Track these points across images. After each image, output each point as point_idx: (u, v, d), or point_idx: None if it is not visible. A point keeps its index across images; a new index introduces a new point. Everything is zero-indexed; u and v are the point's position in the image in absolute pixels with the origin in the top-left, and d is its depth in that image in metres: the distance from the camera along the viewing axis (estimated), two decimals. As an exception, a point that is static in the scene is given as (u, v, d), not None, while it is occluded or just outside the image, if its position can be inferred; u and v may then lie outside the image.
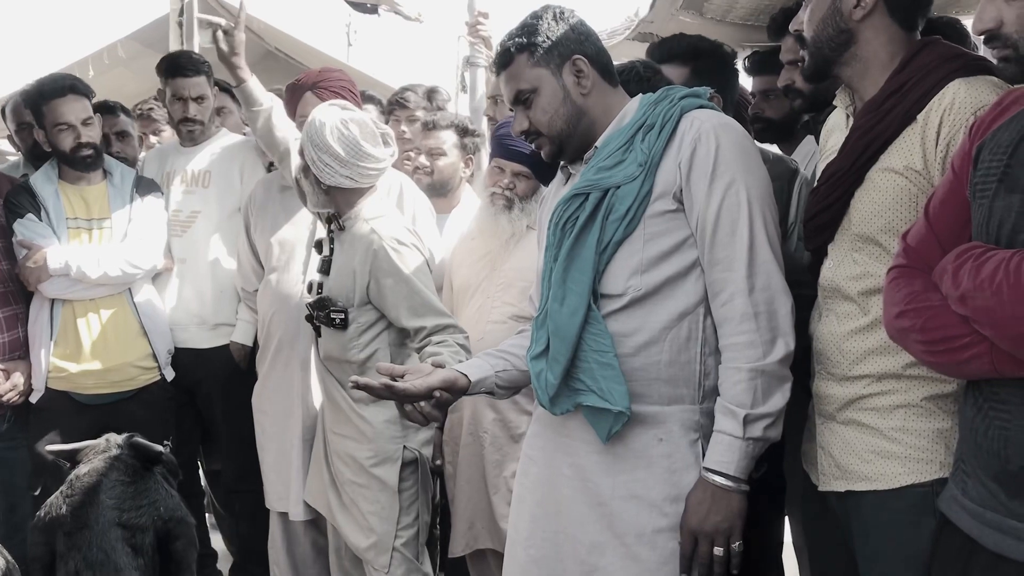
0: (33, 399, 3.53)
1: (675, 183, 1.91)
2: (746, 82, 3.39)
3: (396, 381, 1.98)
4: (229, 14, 6.12)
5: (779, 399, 1.88)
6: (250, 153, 3.85)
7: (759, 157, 2.00)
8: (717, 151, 1.89)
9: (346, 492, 3.02)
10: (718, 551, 1.87)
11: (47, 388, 3.51)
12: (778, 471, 2.34)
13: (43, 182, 3.57)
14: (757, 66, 3.31)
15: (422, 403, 1.99)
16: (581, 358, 1.94)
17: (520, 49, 2.03)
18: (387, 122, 4.14)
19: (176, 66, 3.83)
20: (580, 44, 2.03)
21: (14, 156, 4.92)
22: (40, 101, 3.50)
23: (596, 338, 1.92)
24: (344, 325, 2.92)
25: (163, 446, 2.93)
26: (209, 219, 3.79)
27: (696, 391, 1.94)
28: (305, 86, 3.40)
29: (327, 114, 2.88)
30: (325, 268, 3.00)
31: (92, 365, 3.50)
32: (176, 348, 3.74)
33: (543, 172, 2.94)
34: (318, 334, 3.04)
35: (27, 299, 3.55)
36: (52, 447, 3.05)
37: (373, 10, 6.61)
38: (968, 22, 2.30)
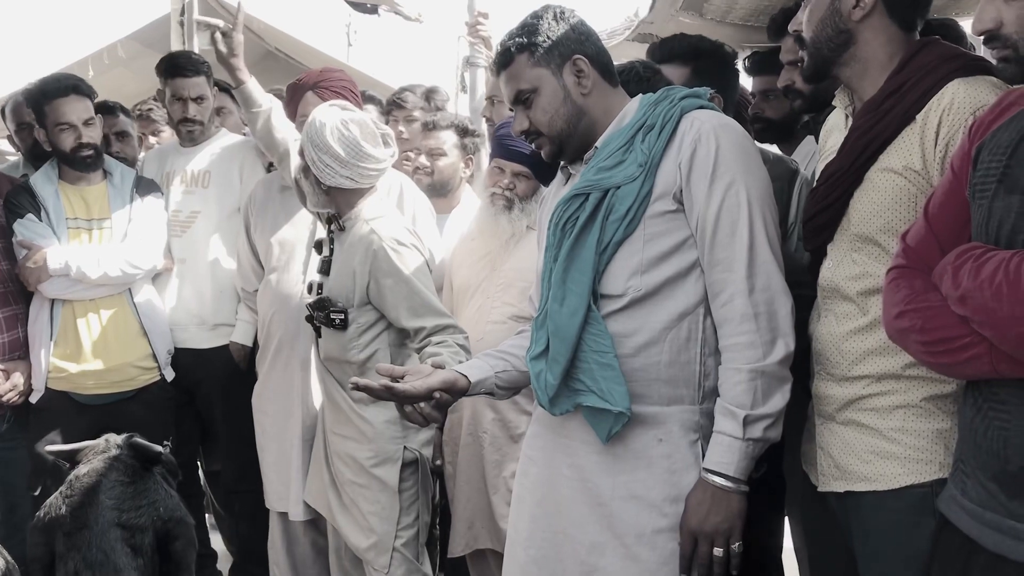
0: (33, 399, 3.53)
1: (675, 183, 1.91)
2: (746, 82, 3.39)
3: (396, 382, 1.98)
4: (229, 14, 6.13)
5: (779, 400, 1.88)
6: (250, 153, 3.85)
7: (759, 158, 2.00)
8: (717, 152, 1.89)
9: (346, 492, 3.02)
10: (718, 552, 1.87)
11: (47, 388, 3.51)
12: (778, 471, 2.34)
13: (43, 182, 3.57)
14: (757, 66, 3.31)
15: (422, 404, 1.99)
16: (581, 359, 1.94)
17: (520, 49, 2.02)
18: (386, 123, 4.14)
19: (175, 66, 3.83)
20: (580, 44, 2.03)
21: (14, 156, 4.92)
22: (42, 100, 3.50)
23: (596, 338, 1.92)
24: (344, 325, 2.92)
25: (163, 446, 2.92)
26: (209, 219, 3.79)
27: (696, 392, 1.94)
28: (306, 86, 3.40)
29: (327, 115, 2.88)
30: (325, 268, 3.00)
31: (92, 365, 3.50)
32: (176, 348, 3.74)
33: (543, 172, 2.94)
34: (318, 334, 3.04)
35: (27, 299, 3.55)
36: (52, 447, 3.05)
37: (373, 10, 6.61)
38: (967, 23, 2.31)
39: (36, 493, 3.42)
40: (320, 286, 3.00)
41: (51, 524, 2.70)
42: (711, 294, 1.92)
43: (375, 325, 2.95)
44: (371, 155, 2.87)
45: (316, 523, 3.38)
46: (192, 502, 3.54)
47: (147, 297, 3.66)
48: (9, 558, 2.66)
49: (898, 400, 1.81)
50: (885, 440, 1.82)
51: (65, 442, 3.19)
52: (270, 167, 3.72)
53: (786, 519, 2.79)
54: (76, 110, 3.49)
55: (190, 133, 3.86)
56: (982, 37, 1.58)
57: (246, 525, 3.89)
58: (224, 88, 4.13)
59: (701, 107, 1.98)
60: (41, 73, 3.95)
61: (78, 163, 3.53)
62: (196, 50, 3.61)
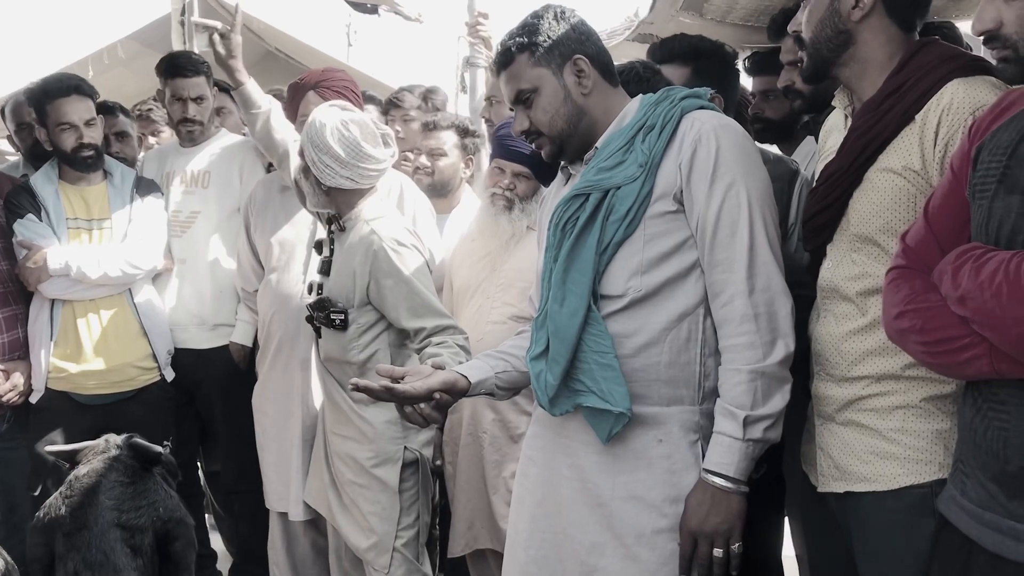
0: (33, 399, 3.53)
1: (675, 184, 1.91)
2: (747, 82, 3.39)
3: (396, 383, 1.98)
4: (229, 14, 6.12)
5: (779, 400, 1.88)
6: (249, 153, 3.85)
7: (759, 158, 2.00)
8: (717, 152, 1.89)
9: (346, 493, 3.01)
10: (717, 552, 1.87)
11: (47, 388, 3.51)
12: (777, 472, 2.34)
13: (43, 182, 3.57)
14: (757, 67, 3.31)
15: (422, 405, 1.99)
16: (581, 359, 1.94)
17: (521, 49, 2.02)
18: (385, 123, 4.14)
19: (175, 66, 3.83)
20: (581, 44, 2.03)
21: (14, 156, 4.92)
22: (44, 100, 3.50)
23: (596, 339, 1.92)
24: (344, 326, 2.92)
25: (162, 447, 2.92)
26: (209, 219, 3.79)
27: (696, 392, 1.94)
28: (308, 85, 3.40)
29: (327, 115, 2.88)
30: (325, 269, 3.00)
31: (92, 365, 3.51)
32: (176, 348, 3.75)
33: (543, 173, 2.94)
34: (318, 335, 3.04)
35: (27, 299, 3.55)
36: (51, 447, 3.05)
37: (373, 10, 6.61)
38: (967, 25, 2.30)
39: (36, 493, 3.43)
40: (320, 286, 3.00)
41: (51, 524, 2.70)
42: (711, 295, 1.92)
43: (375, 325, 2.95)
44: (371, 155, 2.87)
45: (316, 523, 3.38)
46: (192, 502, 3.54)
47: (147, 297, 3.66)
48: (8, 559, 2.66)
49: (898, 400, 1.81)
50: (885, 440, 1.82)
51: (65, 442, 3.19)
52: (270, 167, 3.72)
53: (786, 520, 2.79)
54: (78, 110, 3.49)
55: (190, 133, 3.86)
56: (982, 38, 1.58)
57: (246, 525, 3.89)
58: (224, 88, 4.13)
59: (701, 107, 1.98)
60: (41, 73, 3.95)
61: (79, 163, 3.53)
62: (196, 51, 3.59)
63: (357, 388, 1.96)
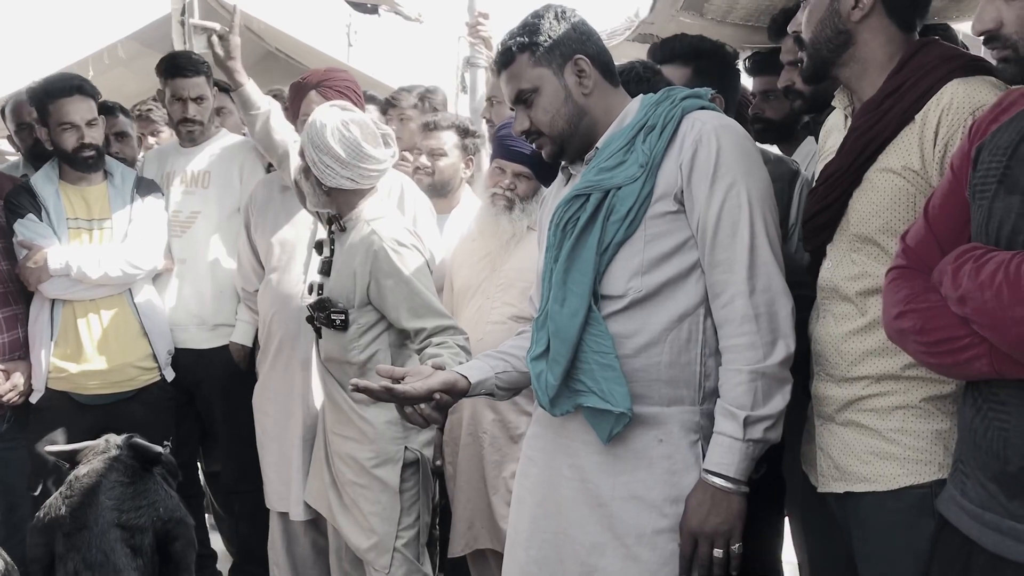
0: (33, 399, 3.53)
1: (676, 184, 1.91)
2: (747, 83, 3.39)
3: (396, 383, 1.98)
4: (229, 14, 6.12)
5: (779, 401, 1.88)
6: (249, 153, 3.85)
7: (760, 159, 2.00)
8: (718, 153, 1.89)
9: (347, 493, 3.01)
10: (718, 553, 1.87)
11: (47, 388, 3.51)
12: (777, 472, 2.34)
13: (44, 182, 3.57)
14: (757, 67, 3.32)
15: (422, 405, 1.99)
16: (582, 359, 1.94)
17: (522, 48, 2.02)
18: (384, 123, 4.14)
19: (175, 66, 3.83)
20: (582, 44, 2.03)
21: (14, 156, 4.92)
22: (46, 99, 3.50)
23: (597, 339, 1.92)
24: (344, 326, 2.92)
25: (163, 447, 2.93)
26: (209, 219, 3.79)
27: (696, 392, 1.94)
28: (310, 85, 3.39)
29: (328, 115, 2.88)
30: (325, 269, 3.00)
31: (92, 365, 3.51)
32: (176, 348, 3.75)
33: (544, 173, 2.94)
34: (319, 335, 3.04)
35: (27, 299, 3.55)
36: (51, 448, 3.05)
37: (373, 10, 6.60)
38: (967, 25, 2.30)
39: (36, 493, 3.43)
40: (320, 287, 3.00)
41: (51, 524, 2.70)
42: (712, 295, 1.92)
43: (375, 326, 2.94)
44: (372, 156, 2.87)
45: (316, 523, 3.38)
46: (192, 502, 3.54)
47: (147, 297, 3.66)
48: (8, 559, 2.66)
49: (897, 401, 1.81)
50: (884, 441, 1.82)
51: (65, 442, 3.19)
52: (270, 167, 3.72)
53: (786, 520, 2.79)
54: (80, 110, 3.49)
55: (190, 133, 3.86)
56: (982, 37, 1.58)
57: (246, 525, 3.89)
58: (224, 88, 4.13)
59: (702, 108, 1.98)
60: (42, 73, 3.95)
61: (79, 163, 3.53)
62: (195, 52, 3.59)
63: (357, 388, 1.96)
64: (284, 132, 3.35)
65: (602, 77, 2.04)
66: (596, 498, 1.98)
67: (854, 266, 1.88)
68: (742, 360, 1.87)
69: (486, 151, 3.81)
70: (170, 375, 3.71)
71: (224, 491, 4.11)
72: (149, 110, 4.72)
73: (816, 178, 2.05)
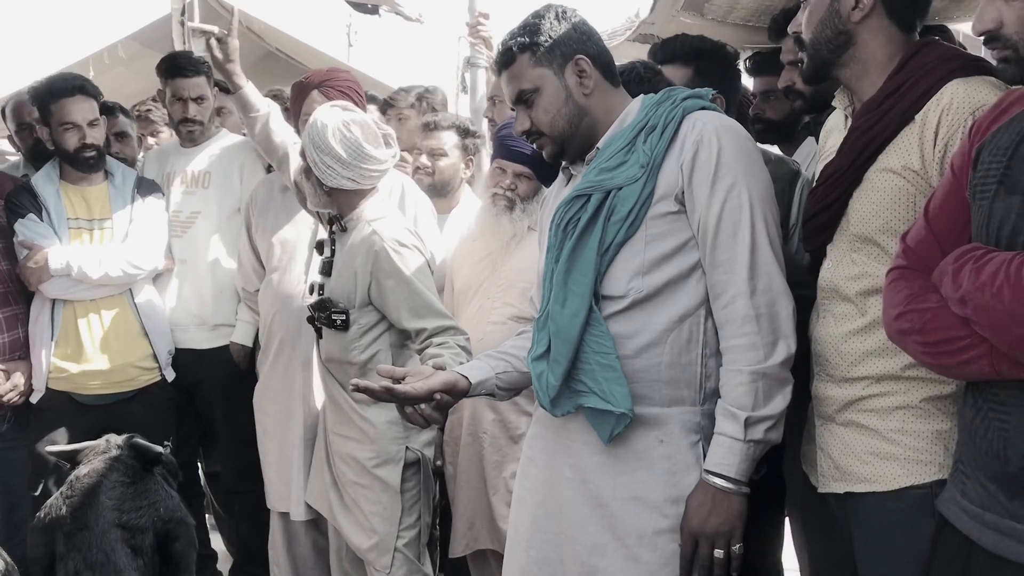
0: (34, 399, 3.53)
1: (677, 185, 1.91)
2: (748, 83, 3.39)
3: (396, 383, 1.98)
4: (229, 13, 6.11)
5: (780, 401, 1.88)
6: (250, 154, 3.85)
7: (761, 159, 2.00)
8: (719, 153, 1.89)
9: (348, 493, 3.01)
10: (718, 553, 1.87)
11: (48, 388, 3.51)
12: (778, 473, 2.34)
13: (44, 182, 3.57)
14: (758, 67, 3.32)
15: (423, 405, 1.99)
16: (582, 360, 1.94)
17: (522, 48, 2.02)
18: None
19: (176, 66, 3.83)
20: (582, 44, 2.02)
21: (14, 156, 4.92)
22: (49, 99, 3.51)
23: (597, 340, 1.92)
24: (345, 326, 2.92)
25: (163, 447, 2.93)
26: (209, 220, 3.79)
27: (697, 393, 1.94)
28: (312, 84, 3.39)
29: (329, 116, 2.87)
30: (326, 269, 2.99)
31: (93, 365, 3.51)
32: (176, 349, 3.75)
33: (544, 173, 2.95)
34: (319, 335, 3.04)
35: (27, 299, 3.55)
36: (52, 448, 3.06)
37: (374, 11, 6.59)
38: (968, 26, 2.30)
39: (36, 493, 3.43)
40: (321, 287, 3.00)
41: (51, 525, 2.70)
42: (712, 295, 1.92)
43: (376, 326, 2.94)
44: (372, 156, 2.87)
45: (317, 523, 3.38)
46: (192, 502, 3.54)
47: (148, 297, 3.66)
48: (8, 559, 2.66)
49: (897, 401, 1.81)
50: (885, 441, 1.82)
51: (66, 442, 3.20)
52: (270, 168, 3.72)
53: (786, 520, 2.79)
54: (82, 110, 3.49)
55: (190, 133, 3.87)
56: (982, 38, 1.58)
57: (246, 525, 3.89)
58: (224, 88, 4.12)
59: (703, 108, 1.98)
60: (42, 73, 3.94)
61: (81, 163, 3.54)
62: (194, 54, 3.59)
63: (358, 388, 1.96)
64: (283, 134, 3.35)
65: (603, 77, 2.04)
66: (597, 498, 1.98)
67: (854, 266, 1.88)
68: (743, 361, 1.87)
69: (487, 151, 3.81)
70: (170, 375, 3.71)
71: (224, 491, 4.12)
72: (148, 110, 4.72)
73: (816, 178, 2.05)
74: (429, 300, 2.86)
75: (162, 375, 3.67)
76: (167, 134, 4.59)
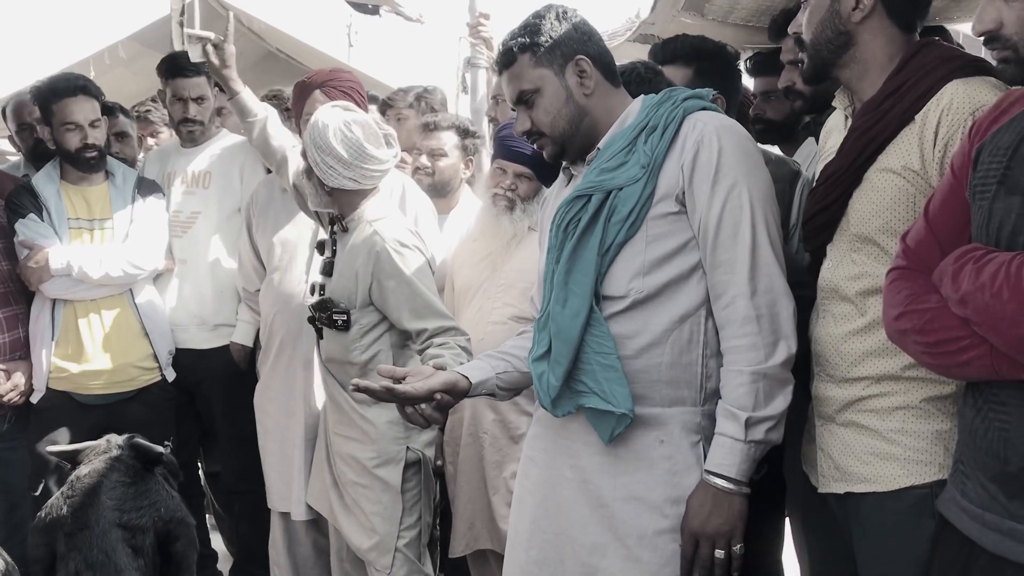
0: (34, 399, 3.53)
1: (677, 185, 1.91)
2: (749, 83, 3.39)
3: (397, 383, 1.98)
4: (227, 21, 6.11)
5: (781, 402, 1.88)
6: (250, 154, 3.84)
7: (761, 160, 2.00)
8: (720, 154, 1.89)
9: (348, 493, 3.01)
10: (719, 553, 1.87)
11: (48, 388, 3.51)
12: (778, 473, 2.34)
13: (45, 182, 3.57)
14: (758, 67, 3.32)
15: (423, 405, 1.99)
16: (583, 360, 1.94)
17: (523, 49, 2.02)
18: (383, 123, 4.14)
19: (176, 67, 3.82)
20: (583, 44, 2.03)
21: (14, 156, 4.92)
22: (51, 99, 3.51)
23: (598, 340, 1.92)
24: (346, 327, 2.92)
25: (164, 447, 2.93)
26: (209, 220, 3.79)
27: (698, 393, 1.95)
28: (314, 84, 3.39)
29: (330, 116, 2.87)
30: (327, 270, 2.99)
31: (93, 365, 3.51)
32: (176, 349, 3.75)
33: (545, 173, 2.95)
34: (320, 336, 3.04)
35: (28, 299, 3.55)
36: (53, 448, 3.06)
37: (374, 11, 6.60)
38: (968, 26, 2.30)
39: (36, 493, 3.43)
40: (322, 287, 3.00)
41: (52, 525, 2.70)
42: (713, 296, 1.92)
43: (377, 326, 2.94)
44: (374, 156, 2.87)
45: (317, 523, 3.38)
46: (193, 503, 3.54)
47: (148, 298, 3.66)
48: (9, 559, 2.66)
49: (897, 401, 1.82)
50: (885, 441, 1.82)
51: (67, 443, 3.20)
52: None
53: (786, 520, 2.79)
54: (83, 110, 3.50)
55: (191, 133, 3.87)
56: (982, 38, 1.58)
57: (246, 525, 3.89)
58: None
59: (704, 108, 1.98)
60: (42, 74, 3.95)
61: (82, 163, 3.54)
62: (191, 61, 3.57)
63: (358, 388, 1.96)
64: (282, 138, 3.34)
65: (603, 78, 2.04)
66: (597, 499, 1.98)
67: (854, 266, 1.89)
68: (743, 361, 1.88)
69: (487, 151, 3.82)
70: (171, 375, 3.71)
71: (224, 491, 4.12)
72: (148, 111, 4.72)
73: (816, 178, 2.05)
74: (430, 301, 2.86)
75: (162, 375, 3.67)
76: (167, 134, 4.59)
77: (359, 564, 3.08)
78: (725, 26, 3.67)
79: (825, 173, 1.97)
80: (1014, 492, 1.45)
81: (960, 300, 1.48)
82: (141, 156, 4.29)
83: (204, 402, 3.87)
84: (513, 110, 2.14)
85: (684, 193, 1.91)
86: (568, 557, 2.01)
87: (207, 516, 4.41)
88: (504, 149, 3.05)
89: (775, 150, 3.18)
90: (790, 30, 2.34)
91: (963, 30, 3.49)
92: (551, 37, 2.01)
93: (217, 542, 4.31)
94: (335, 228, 3.01)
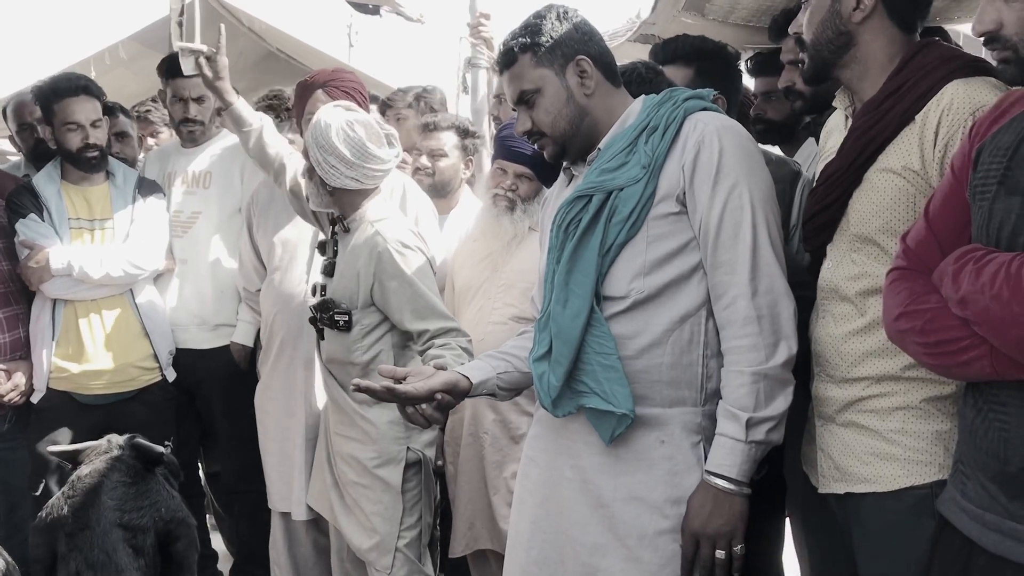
0: (34, 399, 3.53)
1: (678, 186, 1.91)
2: (750, 83, 3.39)
3: (398, 383, 1.98)
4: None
5: (781, 402, 1.88)
6: (251, 154, 3.85)
7: (762, 160, 2.00)
8: (720, 154, 1.89)
9: (349, 493, 3.01)
10: (720, 554, 1.87)
11: (48, 388, 3.51)
12: (778, 473, 2.34)
13: (45, 182, 3.57)
14: (759, 67, 3.32)
15: (424, 405, 1.99)
16: (584, 360, 1.94)
17: (524, 49, 2.02)
18: (383, 122, 4.14)
19: (176, 67, 3.80)
20: (584, 44, 2.03)
21: (15, 157, 4.92)
22: (52, 98, 3.51)
23: (599, 340, 1.92)
24: (348, 327, 2.91)
25: (164, 447, 2.93)
26: (210, 220, 3.79)
27: (698, 393, 1.95)
28: (316, 84, 3.38)
29: (332, 115, 2.87)
30: (329, 270, 2.99)
31: (94, 365, 3.51)
32: (176, 349, 3.75)
33: (545, 173, 2.95)
34: (321, 336, 3.03)
35: (28, 299, 3.56)
36: (53, 448, 3.06)
37: (375, 11, 6.61)
38: (968, 26, 2.30)
39: (37, 493, 3.43)
40: (324, 288, 3.00)
41: (53, 524, 2.70)
42: (714, 296, 1.92)
43: (379, 327, 2.94)
44: (376, 156, 2.87)
45: (318, 523, 3.38)
46: (193, 503, 3.54)
47: (149, 298, 3.66)
48: (9, 559, 2.66)
49: (897, 402, 1.82)
50: (885, 442, 1.82)
51: (67, 443, 3.19)
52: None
53: (786, 520, 2.79)
54: (85, 110, 3.50)
55: (191, 133, 3.87)
56: (982, 38, 1.58)
57: (246, 526, 3.89)
58: (225, 89, 4.12)
59: (704, 109, 1.98)
60: (43, 74, 3.95)
61: (83, 163, 3.54)
62: (185, 73, 3.55)
63: (359, 388, 1.96)
64: (278, 146, 3.32)
65: (604, 78, 2.04)
66: (597, 499, 1.98)
67: (854, 266, 1.89)
68: (744, 362, 1.88)
69: (487, 151, 3.82)
70: (171, 375, 3.71)
71: (224, 491, 4.12)
72: (148, 111, 4.72)
73: (816, 178, 2.05)
74: (432, 302, 2.86)
75: (163, 375, 3.67)
76: (167, 134, 4.59)
77: (360, 564, 3.08)
78: (726, 26, 3.68)
79: (825, 173, 1.97)
80: (1014, 492, 1.45)
81: (960, 300, 1.48)
82: (141, 156, 4.29)
83: (204, 402, 3.87)
84: (514, 110, 2.14)
85: (685, 193, 1.91)
86: (568, 557, 2.01)
87: (207, 516, 4.41)
88: (504, 149, 3.05)
89: (776, 150, 3.18)
90: (791, 30, 2.34)
91: (963, 30, 3.49)
92: (552, 37, 2.01)
93: (217, 542, 4.31)
94: (336, 229, 3.01)
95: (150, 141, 4.65)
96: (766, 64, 3.22)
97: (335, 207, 2.96)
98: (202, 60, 3.20)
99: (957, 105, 1.74)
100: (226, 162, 3.85)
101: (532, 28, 2.03)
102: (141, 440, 2.89)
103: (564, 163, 2.15)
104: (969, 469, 1.56)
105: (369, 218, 2.93)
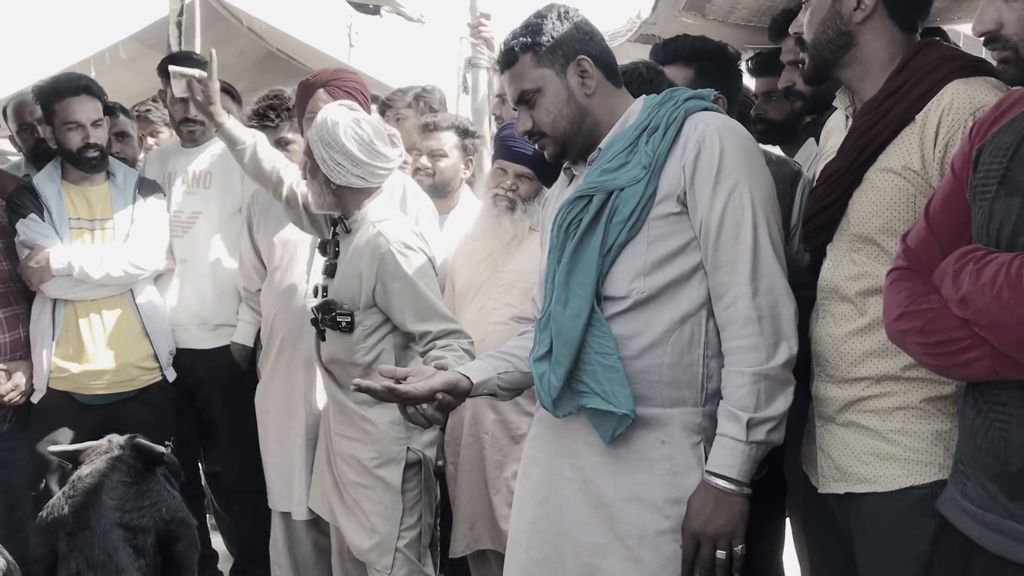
0: (35, 399, 3.54)
1: (679, 186, 1.91)
2: (750, 83, 3.40)
3: (399, 383, 1.98)
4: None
5: (782, 403, 1.89)
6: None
7: (763, 160, 2.00)
8: (721, 154, 1.89)
9: (349, 493, 3.01)
10: (720, 554, 1.87)
11: (49, 388, 3.51)
12: (778, 473, 2.34)
13: (46, 182, 3.57)
14: (759, 68, 3.32)
15: (424, 405, 1.99)
16: (584, 360, 1.94)
17: (524, 49, 2.02)
18: (383, 122, 4.14)
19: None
20: (585, 44, 2.03)
21: (15, 157, 4.92)
22: (53, 98, 3.51)
23: (599, 340, 1.92)
24: (350, 328, 2.91)
25: (164, 447, 2.93)
26: (210, 220, 3.79)
27: (699, 393, 1.95)
28: (318, 83, 3.37)
29: (338, 113, 2.86)
30: (330, 271, 2.99)
31: (94, 365, 3.51)
32: (177, 349, 3.75)
33: (546, 173, 2.95)
34: (322, 337, 3.02)
35: (28, 299, 3.56)
36: (54, 448, 3.06)
37: (375, 11, 6.62)
38: (968, 27, 2.31)
39: (36, 493, 3.43)
40: (325, 288, 2.99)
41: (53, 524, 2.70)
42: (714, 297, 1.92)
43: (381, 327, 2.94)
44: (383, 154, 2.87)
45: (318, 523, 3.38)
46: (193, 503, 3.54)
47: (149, 298, 3.66)
48: (10, 558, 2.66)
49: (897, 402, 1.82)
50: (885, 442, 1.82)
51: (67, 443, 3.19)
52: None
53: (787, 520, 2.79)
54: (86, 110, 3.50)
55: (191, 133, 3.87)
56: (982, 38, 1.58)
57: (246, 526, 3.89)
58: (225, 89, 4.11)
59: (705, 109, 1.98)
60: (43, 74, 3.95)
61: (83, 163, 3.54)
62: (196, 50, 3.55)
63: (360, 388, 1.96)
64: (273, 159, 3.30)
65: (605, 78, 2.04)
66: (598, 499, 1.98)
67: (854, 266, 1.89)
68: (745, 362, 1.88)
69: (487, 151, 3.81)
70: (172, 375, 3.71)
71: (225, 491, 4.11)
72: (148, 111, 4.72)
73: (817, 178, 2.05)
74: (434, 303, 2.86)
75: (163, 375, 3.67)
76: (167, 134, 4.59)
77: (360, 564, 3.08)
78: (726, 26, 3.68)
79: (825, 173, 1.97)
80: (1014, 492, 1.46)
81: (960, 301, 1.48)
82: (141, 156, 4.29)
83: (205, 402, 3.87)
84: (514, 110, 2.14)
85: (685, 194, 1.91)
86: (569, 557, 2.01)
87: (207, 516, 4.41)
88: (505, 149, 3.05)
89: (776, 150, 3.18)
90: (791, 30, 2.34)
91: (963, 30, 3.49)
92: (553, 37, 2.01)
93: (217, 542, 4.31)
94: (337, 229, 3.01)
95: (150, 141, 4.64)
96: (766, 64, 3.22)
97: (337, 207, 2.96)
98: (194, 84, 3.19)
99: (957, 105, 1.74)
100: (226, 162, 3.84)
101: (533, 28, 2.03)
102: (142, 440, 2.89)
103: (565, 163, 2.15)
104: (969, 469, 1.56)
105: (371, 218, 2.93)
